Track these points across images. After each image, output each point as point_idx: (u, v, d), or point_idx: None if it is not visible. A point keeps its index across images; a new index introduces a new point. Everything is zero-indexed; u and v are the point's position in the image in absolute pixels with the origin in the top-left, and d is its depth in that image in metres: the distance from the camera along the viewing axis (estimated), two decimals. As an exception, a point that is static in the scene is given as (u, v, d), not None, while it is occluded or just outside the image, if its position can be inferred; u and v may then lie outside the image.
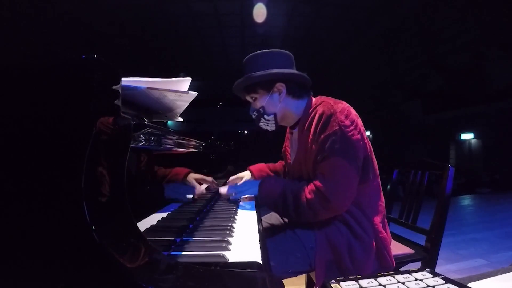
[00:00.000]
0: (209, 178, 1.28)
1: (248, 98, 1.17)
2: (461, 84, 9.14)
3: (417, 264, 1.16)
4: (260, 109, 1.13)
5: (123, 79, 0.51)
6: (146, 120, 0.67)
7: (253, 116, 1.17)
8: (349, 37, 7.47)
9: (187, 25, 6.83)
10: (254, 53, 1.12)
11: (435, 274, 0.58)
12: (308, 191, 0.98)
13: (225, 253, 0.57)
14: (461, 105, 10.09)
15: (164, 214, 0.88)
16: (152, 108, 0.82)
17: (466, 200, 5.88)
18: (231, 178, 1.40)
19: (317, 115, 1.02)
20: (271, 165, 1.50)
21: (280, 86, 1.10)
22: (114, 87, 0.47)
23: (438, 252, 1.17)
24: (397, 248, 1.21)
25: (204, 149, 1.55)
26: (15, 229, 0.42)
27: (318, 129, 1.00)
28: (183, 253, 0.58)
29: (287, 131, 1.33)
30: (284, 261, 0.98)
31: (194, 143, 1.34)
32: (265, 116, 1.13)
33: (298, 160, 1.12)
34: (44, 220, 0.41)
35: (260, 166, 1.47)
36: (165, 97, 0.75)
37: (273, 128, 1.18)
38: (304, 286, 1.53)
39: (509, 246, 2.80)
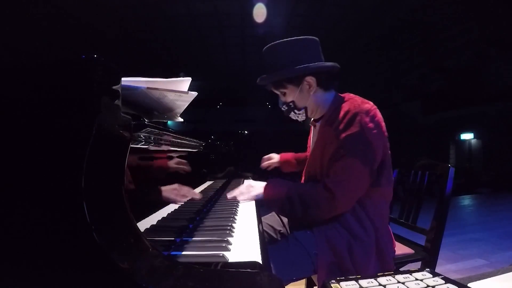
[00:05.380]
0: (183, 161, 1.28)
1: (275, 91, 1.14)
2: (461, 84, 9.13)
3: (417, 264, 1.16)
4: (291, 104, 1.11)
5: (123, 79, 0.51)
6: (146, 120, 0.67)
7: (283, 109, 1.15)
8: (349, 37, 7.47)
9: (187, 25, 6.83)
10: (278, 41, 1.06)
11: (435, 274, 0.58)
12: (316, 189, 0.98)
13: (225, 253, 0.57)
14: (461, 105, 10.09)
15: (164, 214, 0.88)
16: (152, 108, 0.82)
17: (466, 200, 5.88)
18: (265, 157, 1.64)
19: (342, 112, 1.00)
20: (296, 155, 1.61)
21: (310, 79, 1.06)
22: (114, 87, 0.47)
23: (438, 252, 1.17)
24: (397, 248, 1.21)
25: (204, 149, 1.55)
26: (15, 229, 0.42)
27: (341, 126, 0.98)
28: (183, 253, 0.58)
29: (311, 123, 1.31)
30: (289, 269, 0.97)
31: (194, 143, 1.34)
32: (296, 111, 1.12)
33: (315, 154, 1.10)
34: (44, 220, 0.41)
35: (286, 156, 1.62)
36: (165, 97, 0.75)
37: (303, 119, 1.17)
38: (304, 286, 1.53)
39: (509, 246, 2.80)
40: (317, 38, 1.10)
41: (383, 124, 1.00)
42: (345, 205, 0.98)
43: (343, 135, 0.96)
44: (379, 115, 1.00)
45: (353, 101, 1.02)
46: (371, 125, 0.95)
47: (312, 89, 1.08)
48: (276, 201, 1.05)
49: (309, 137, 1.30)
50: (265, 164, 1.67)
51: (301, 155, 1.59)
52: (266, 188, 1.09)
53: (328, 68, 1.08)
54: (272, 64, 1.06)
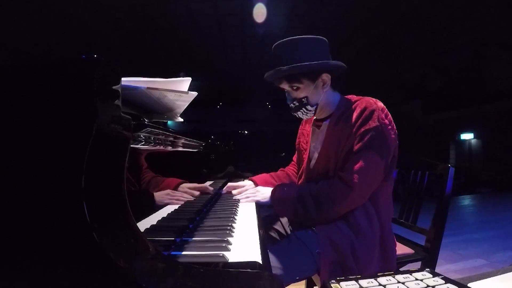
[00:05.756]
0: (204, 186, 1.26)
1: (285, 86, 1.10)
2: (461, 84, 9.13)
3: (417, 264, 1.16)
4: (303, 99, 1.09)
5: (123, 79, 0.51)
6: (146, 120, 0.67)
7: (292, 105, 1.12)
8: (349, 37, 7.47)
9: (187, 25, 6.83)
10: (292, 38, 1.06)
11: (435, 274, 0.58)
12: (329, 184, 1.01)
13: (225, 253, 0.57)
14: (461, 105, 10.09)
15: (164, 214, 0.88)
16: (152, 108, 0.82)
17: (466, 200, 5.88)
18: (230, 184, 1.34)
19: (358, 109, 1.03)
20: (274, 174, 1.43)
21: (326, 76, 1.08)
22: (114, 87, 0.47)
23: (438, 252, 1.17)
24: (397, 248, 1.21)
25: (204, 149, 1.55)
26: (16, 229, 0.42)
27: (359, 122, 1.01)
28: (183, 253, 0.58)
29: (301, 125, 1.31)
30: (291, 269, 0.96)
31: (194, 143, 1.34)
32: (308, 107, 1.11)
33: (325, 153, 1.10)
34: (45, 220, 0.41)
35: (264, 177, 1.40)
36: (165, 97, 0.75)
37: (310, 117, 1.17)
38: (304, 286, 1.53)
39: (509, 246, 2.80)
40: (326, 39, 1.11)
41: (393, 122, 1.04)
42: (361, 198, 1.00)
43: (362, 129, 0.99)
44: (389, 114, 1.05)
45: (368, 99, 1.05)
46: (386, 121, 1.01)
47: (326, 86, 1.09)
48: (287, 204, 1.05)
49: (304, 139, 1.27)
50: (235, 192, 1.27)
51: (279, 174, 1.42)
52: (273, 192, 1.10)
53: (341, 68, 1.10)
54: (288, 58, 1.05)
